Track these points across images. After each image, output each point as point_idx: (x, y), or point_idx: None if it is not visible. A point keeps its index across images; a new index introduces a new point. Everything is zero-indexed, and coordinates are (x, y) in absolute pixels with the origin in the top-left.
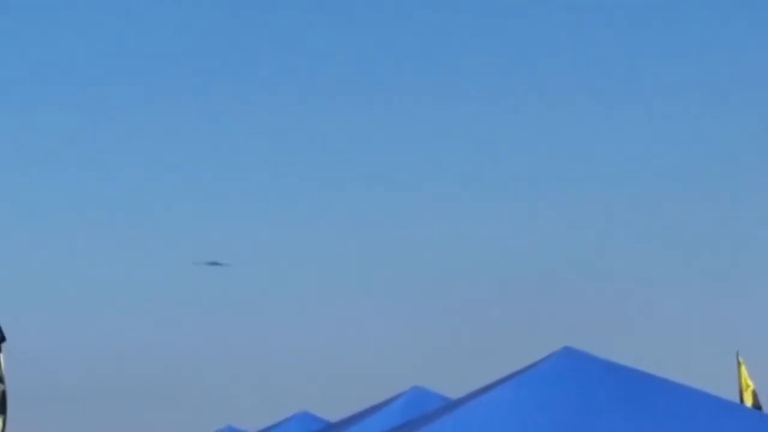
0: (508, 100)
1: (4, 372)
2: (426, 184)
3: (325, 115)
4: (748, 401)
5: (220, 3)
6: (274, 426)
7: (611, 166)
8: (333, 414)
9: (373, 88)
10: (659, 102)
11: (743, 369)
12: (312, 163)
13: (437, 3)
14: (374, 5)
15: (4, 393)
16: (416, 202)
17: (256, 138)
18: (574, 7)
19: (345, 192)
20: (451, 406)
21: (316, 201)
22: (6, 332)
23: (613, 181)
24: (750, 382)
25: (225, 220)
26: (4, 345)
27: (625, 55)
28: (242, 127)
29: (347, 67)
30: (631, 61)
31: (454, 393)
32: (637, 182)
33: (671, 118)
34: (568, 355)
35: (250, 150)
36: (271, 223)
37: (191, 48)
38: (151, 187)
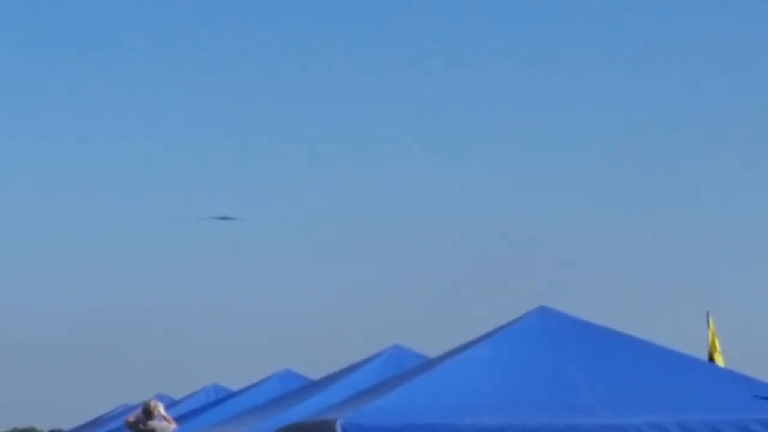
0: (479, 62)
1: None
2: (410, 149)
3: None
4: (720, 363)
5: None
6: (257, 384)
7: (585, 130)
8: (314, 372)
9: (335, 53)
10: (634, 60)
11: (713, 329)
12: (290, 127)
13: None
14: None
15: None
16: (400, 167)
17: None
18: None
19: (327, 155)
20: (430, 363)
21: (298, 165)
22: None
23: (586, 144)
24: (717, 346)
25: (212, 179)
26: None
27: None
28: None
29: (315, 34)
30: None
31: (434, 352)
32: (609, 145)
33: (650, 76)
34: (544, 314)
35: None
36: (254, 185)
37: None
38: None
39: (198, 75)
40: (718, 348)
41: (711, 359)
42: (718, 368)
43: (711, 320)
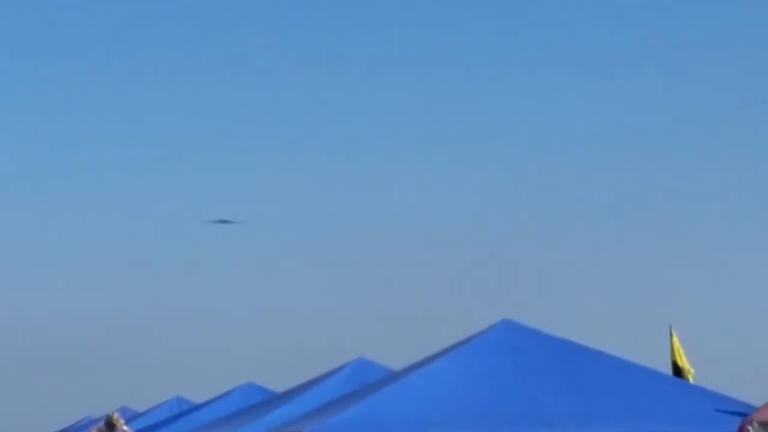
0: (448, 68)
1: None
2: (377, 156)
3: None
4: (689, 379)
5: None
6: (220, 396)
7: (550, 138)
8: (278, 385)
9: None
10: (598, 74)
11: (676, 342)
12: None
13: None
14: None
15: None
16: (364, 174)
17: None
18: None
19: (294, 162)
20: (393, 376)
21: (267, 171)
22: None
23: (551, 153)
24: (683, 360)
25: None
26: None
27: (564, 24)
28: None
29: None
30: (568, 31)
31: (398, 365)
32: (575, 155)
33: (607, 91)
34: (507, 327)
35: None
36: (215, 194)
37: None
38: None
39: (198, 77)
40: (687, 365)
41: (675, 372)
42: (680, 381)
43: (674, 333)
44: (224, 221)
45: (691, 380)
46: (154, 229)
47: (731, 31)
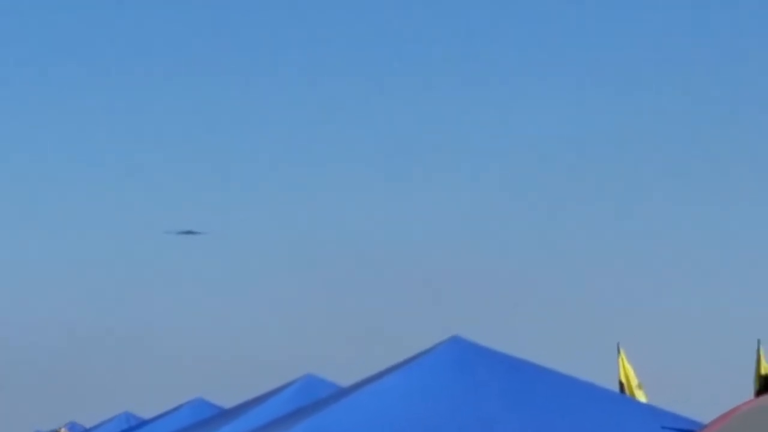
0: (400, 76)
1: None
2: (322, 170)
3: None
4: (640, 398)
5: None
6: (169, 412)
7: (502, 151)
8: (227, 400)
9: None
10: (552, 81)
11: (623, 360)
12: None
13: None
14: None
15: None
16: (311, 188)
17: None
18: None
19: (238, 176)
20: (341, 393)
21: (210, 187)
22: None
23: (501, 166)
24: (631, 375)
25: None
26: None
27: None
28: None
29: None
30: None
31: (346, 381)
32: (525, 168)
33: (564, 99)
34: (456, 344)
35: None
36: (163, 207)
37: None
38: None
39: (163, 84)
40: (635, 381)
41: (622, 390)
42: (628, 399)
43: (622, 351)
44: (189, 232)
45: (643, 396)
46: (108, 241)
47: (709, 40)
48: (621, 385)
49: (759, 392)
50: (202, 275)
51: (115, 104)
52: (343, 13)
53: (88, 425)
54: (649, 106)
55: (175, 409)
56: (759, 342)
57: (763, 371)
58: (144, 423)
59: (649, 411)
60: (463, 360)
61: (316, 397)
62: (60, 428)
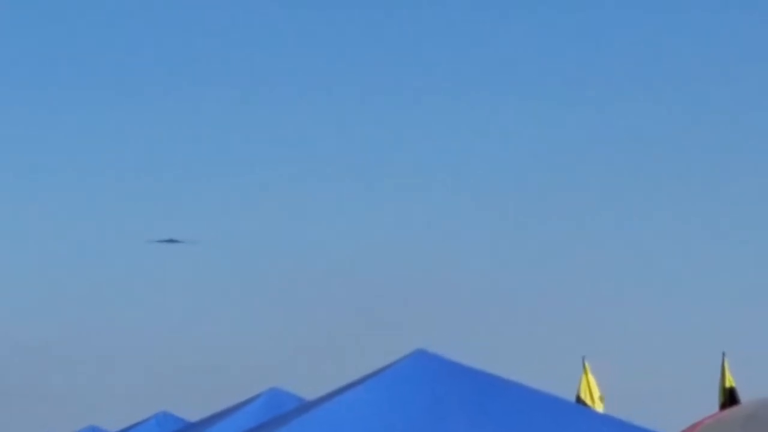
0: (360, 91)
1: None
2: (284, 182)
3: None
4: (599, 407)
5: None
6: (134, 426)
7: (468, 164)
8: (192, 414)
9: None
10: (515, 96)
11: (587, 373)
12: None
13: None
14: None
15: None
16: (271, 200)
17: None
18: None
19: (205, 189)
20: (306, 406)
21: (177, 197)
22: None
23: (471, 179)
24: (595, 388)
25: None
26: None
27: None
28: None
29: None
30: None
31: (311, 394)
32: (491, 181)
33: (530, 113)
34: (421, 357)
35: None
36: (129, 220)
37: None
38: None
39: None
40: (597, 394)
41: (579, 401)
42: (593, 412)
43: (586, 365)
44: (172, 240)
45: (602, 409)
46: (78, 251)
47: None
48: (578, 399)
49: (724, 405)
50: (168, 288)
51: (98, 106)
52: (320, 20)
53: None
54: (614, 122)
55: (141, 422)
56: (724, 355)
57: (727, 384)
58: None
59: (613, 423)
60: (427, 373)
61: (282, 410)
62: None
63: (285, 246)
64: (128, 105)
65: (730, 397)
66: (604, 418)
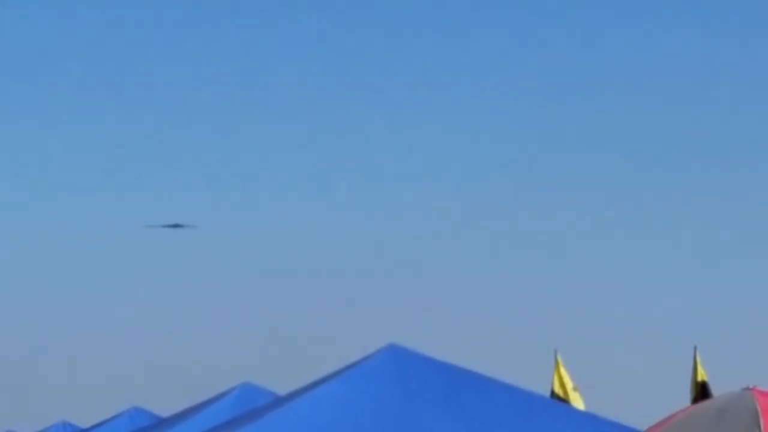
0: (330, 92)
1: None
2: (255, 178)
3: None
4: (577, 402)
5: None
6: (106, 421)
7: (439, 160)
8: (164, 409)
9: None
10: (486, 96)
11: (560, 367)
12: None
13: None
14: None
15: None
16: (244, 197)
17: None
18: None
19: (174, 183)
20: (279, 401)
21: (142, 193)
22: None
23: (440, 175)
24: (567, 380)
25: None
26: None
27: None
28: None
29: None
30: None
31: (284, 389)
32: (462, 177)
33: (497, 113)
34: (392, 351)
35: None
36: (97, 217)
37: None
38: None
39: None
40: (570, 385)
41: (554, 395)
42: (566, 406)
43: (558, 358)
44: (175, 225)
45: (579, 399)
46: (47, 245)
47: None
48: (552, 393)
49: (695, 399)
50: (139, 282)
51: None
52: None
53: None
54: (588, 121)
55: (113, 417)
56: (695, 349)
57: (699, 378)
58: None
59: (585, 418)
60: (399, 367)
61: (254, 405)
62: None
63: (257, 242)
64: (128, 97)
65: (701, 391)
66: (576, 412)
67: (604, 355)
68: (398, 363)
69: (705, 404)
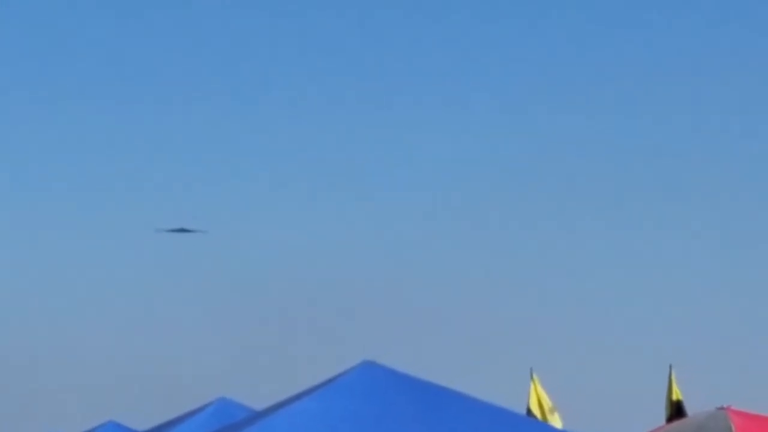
0: (322, 99)
1: None
2: (230, 187)
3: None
4: (555, 422)
5: None
6: None
7: (420, 171)
8: (140, 423)
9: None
10: (472, 104)
11: (536, 385)
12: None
13: None
14: None
15: None
16: (219, 207)
17: None
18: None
19: (148, 193)
20: (255, 417)
21: (115, 203)
22: None
23: (419, 188)
24: (545, 399)
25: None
26: None
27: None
28: None
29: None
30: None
31: (260, 404)
32: (441, 189)
33: (481, 123)
34: (368, 368)
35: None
36: (70, 227)
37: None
38: None
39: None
40: (548, 405)
41: (529, 413)
42: (540, 424)
43: (535, 376)
44: (182, 230)
45: (558, 420)
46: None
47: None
48: (528, 411)
49: (670, 418)
50: (117, 297)
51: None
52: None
53: None
54: (562, 132)
55: (90, 431)
56: (671, 367)
57: (674, 397)
58: None
59: None
60: (375, 384)
61: (230, 420)
62: None
63: (233, 256)
64: (127, 98)
65: (676, 410)
66: (551, 430)
67: (579, 374)
68: (374, 380)
69: (680, 423)
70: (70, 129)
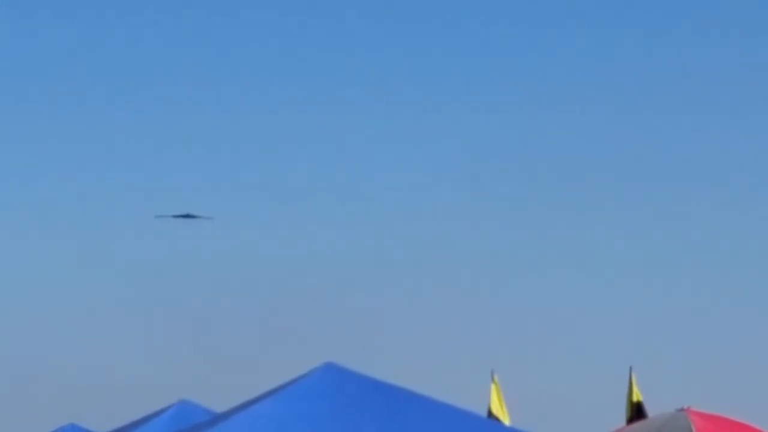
0: (292, 101)
1: None
2: (193, 194)
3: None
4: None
5: None
6: None
7: (383, 174)
8: (100, 426)
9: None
10: (456, 108)
11: (497, 386)
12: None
13: None
14: None
15: None
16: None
17: None
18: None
19: (112, 200)
20: (216, 419)
21: (81, 209)
22: None
23: (382, 190)
24: (502, 401)
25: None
26: None
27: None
28: None
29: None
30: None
31: (221, 407)
32: (403, 192)
33: (466, 126)
34: (330, 370)
35: None
36: (37, 232)
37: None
38: None
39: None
40: (503, 406)
41: (490, 415)
42: (501, 426)
43: (495, 377)
44: (188, 216)
45: (507, 420)
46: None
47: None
48: (489, 413)
49: (631, 419)
50: (72, 298)
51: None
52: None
53: None
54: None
55: None
56: (631, 369)
57: (634, 398)
58: None
59: None
60: (336, 386)
61: (191, 422)
62: None
63: (192, 259)
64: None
65: (637, 412)
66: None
67: (540, 375)
68: (335, 382)
69: (641, 424)
70: (70, 129)
